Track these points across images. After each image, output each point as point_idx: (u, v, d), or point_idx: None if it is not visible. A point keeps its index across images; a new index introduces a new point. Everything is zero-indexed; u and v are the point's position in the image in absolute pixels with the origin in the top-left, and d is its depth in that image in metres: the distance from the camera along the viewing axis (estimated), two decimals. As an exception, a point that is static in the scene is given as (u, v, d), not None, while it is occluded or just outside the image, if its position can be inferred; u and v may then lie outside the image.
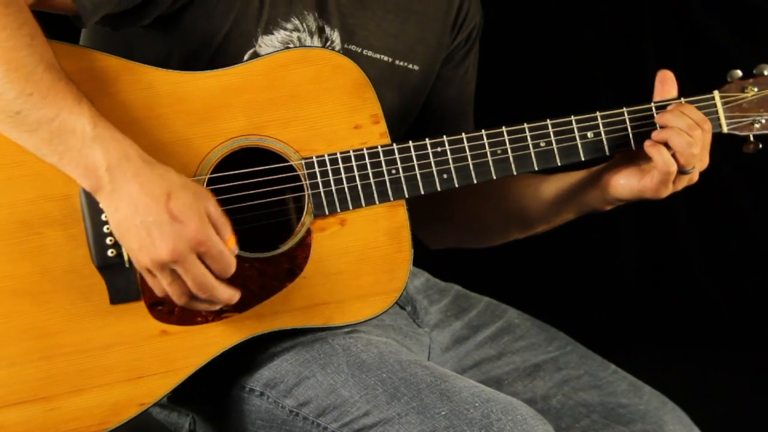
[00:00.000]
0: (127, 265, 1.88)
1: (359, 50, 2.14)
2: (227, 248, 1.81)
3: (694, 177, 2.11)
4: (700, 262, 4.29)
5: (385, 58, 2.18)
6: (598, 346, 2.28)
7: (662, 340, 4.17)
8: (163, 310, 1.90)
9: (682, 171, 2.07)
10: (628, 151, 2.12)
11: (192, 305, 1.84)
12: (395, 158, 2.01)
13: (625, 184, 2.13)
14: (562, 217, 2.27)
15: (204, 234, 1.78)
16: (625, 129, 2.10)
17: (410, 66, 2.21)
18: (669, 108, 2.10)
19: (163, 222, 1.77)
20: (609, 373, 2.21)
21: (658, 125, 2.09)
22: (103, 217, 1.86)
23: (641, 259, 4.32)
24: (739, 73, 2.18)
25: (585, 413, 2.15)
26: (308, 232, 1.97)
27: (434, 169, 2.02)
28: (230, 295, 1.84)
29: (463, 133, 2.04)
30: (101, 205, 1.81)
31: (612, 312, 4.21)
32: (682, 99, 2.13)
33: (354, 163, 1.98)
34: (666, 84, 2.13)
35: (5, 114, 1.77)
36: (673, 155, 2.06)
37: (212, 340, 1.92)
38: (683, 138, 2.05)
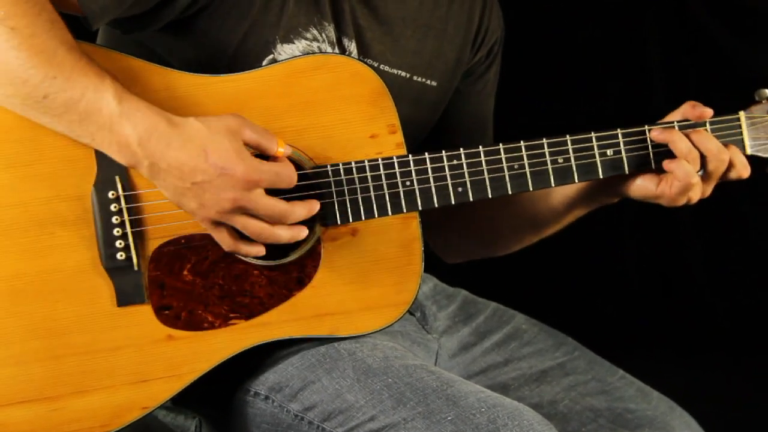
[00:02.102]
0: (135, 268, 1.88)
1: (376, 65, 2.11)
2: (280, 160, 1.85)
3: (707, 191, 2.09)
4: (706, 268, 4.28)
5: (402, 74, 2.15)
6: (605, 352, 2.28)
7: (670, 345, 4.18)
8: (170, 314, 1.91)
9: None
10: None
11: (278, 238, 1.85)
12: (410, 170, 1.99)
13: (640, 185, 2.10)
14: (574, 215, 2.26)
15: (254, 171, 1.81)
16: (646, 147, 2.07)
17: (428, 82, 2.19)
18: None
19: (212, 177, 1.80)
20: (617, 379, 2.21)
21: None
22: (114, 220, 1.87)
23: (647, 265, 4.31)
24: (767, 92, 2.14)
25: (592, 418, 2.16)
26: (319, 241, 1.97)
27: (449, 182, 2.00)
28: (309, 208, 1.87)
29: (480, 147, 2.01)
30: (149, 179, 1.83)
31: (619, 318, 4.21)
32: (707, 120, 2.09)
33: (368, 174, 1.97)
34: (696, 117, 2.10)
35: (33, 100, 1.79)
36: None
37: (218, 347, 1.92)
38: (685, 142, 2.04)
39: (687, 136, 2.05)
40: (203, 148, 1.80)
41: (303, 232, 1.88)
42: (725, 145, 2.07)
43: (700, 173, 2.05)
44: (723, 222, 4.19)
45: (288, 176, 1.84)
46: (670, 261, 4.29)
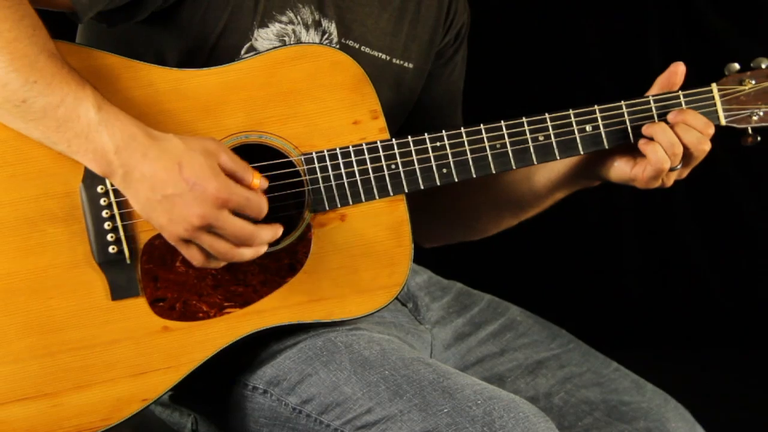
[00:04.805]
0: (127, 261, 1.89)
1: (357, 46, 2.15)
2: (254, 190, 1.84)
3: (683, 173, 2.13)
4: (703, 261, 4.30)
5: (383, 56, 2.19)
6: (600, 345, 2.28)
7: (664, 339, 4.18)
8: (165, 306, 1.91)
9: (670, 168, 2.08)
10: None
11: (241, 258, 1.84)
12: (394, 153, 2.01)
13: (617, 167, 2.13)
14: (555, 198, 2.28)
15: (225, 189, 1.80)
16: (624, 122, 2.11)
17: (406, 64, 2.23)
18: (671, 116, 2.09)
19: (183, 191, 1.79)
20: (611, 371, 2.22)
21: (670, 122, 2.09)
22: (104, 214, 1.88)
23: (644, 257, 4.32)
24: (737, 66, 2.19)
25: (587, 411, 2.16)
26: (308, 228, 1.98)
27: (433, 163, 2.03)
28: (273, 233, 1.86)
29: (462, 128, 2.04)
30: (120, 189, 1.83)
31: (614, 311, 4.22)
32: (680, 92, 2.13)
33: (353, 159, 1.99)
34: (674, 76, 2.13)
35: (11, 104, 1.79)
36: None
37: (214, 336, 1.92)
38: (668, 136, 2.06)
39: (672, 128, 2.08)
40: (178, 161, 1.80)
41: (263, 249, 1.87)
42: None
43: (679, 166, 2.08)
44: (722, 214, 4.21)
45: (258, 204, 1.84)
46: (666, 254, 4.30)
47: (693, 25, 4.14)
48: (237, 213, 1.83)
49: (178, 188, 1.79)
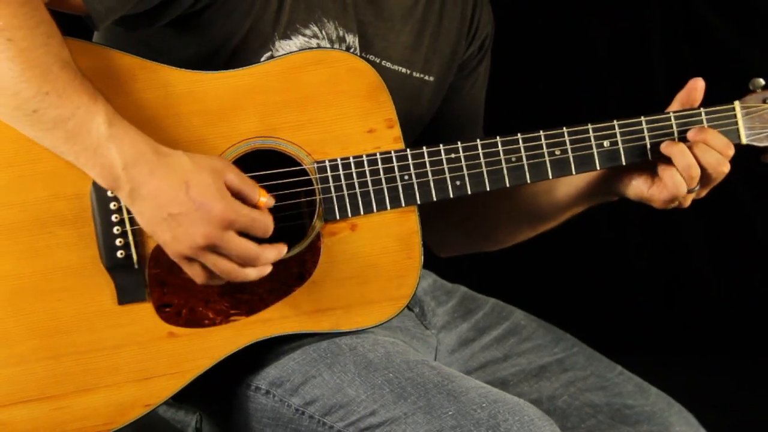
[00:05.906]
0: (135, 266, 1.88)
1: (378, 60, 2.12)
2: (259, 209, 1.84)
3: (701, 194, 2.11)
4: (710, 267, 4.28)
5: (403, 70, 2.16)
6: (605, 350, 2.28)
7: (669, 345, 4.18)
8: (171, 312, 1.91)
9: (687, 190, 2.06)
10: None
11: (244, 277, 1.84)
12: (408, 164, 1.99)
13: (635, 185, 2.12)
14: (573, 211, 2.26)
15: (231, 211, 1.80)
16: (643, 138, 2.08)
17: (426, 77, 2.20)
18: (691, 134, 2.06)
19: (189, 211, 1.79)
20: (615, 374, 2.22)
21: (689, 139, 2.06)
22: (113, 218, 1.87)
23: (649, 262, 4.31)
24: (762, 82, 2.15)
25: (591, 414, 2.16)
26: (318, 237, 1.97)
27: (447, 175, 2.01)
28: (277, 253, 1.86)
29: (478, 140, 2.02)
30: (126, 205, 1.83)
31: (620, 316, 4.21)
32: (702, 109, 2.10)
33: (366, 168, 1.97)
34: (693, 93, 2.10)
35: (22, 112, 1.78)
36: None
37: (219, 343, 1.92)
38: (686, 158, 2.03)
39: (690, 148, 2.05)
40: (185, 180, 1.80)
41: (268, 269, 1.86)
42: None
43: (696, 188, 2.06)
44: (729, 221, 4.19)
45: (263, 224, 1.83)
46: (671, 259, 4.28)
47: (694, 25, 4.08)
48: (242, 233, 1.82)
49: (184, 207, 1.79)
